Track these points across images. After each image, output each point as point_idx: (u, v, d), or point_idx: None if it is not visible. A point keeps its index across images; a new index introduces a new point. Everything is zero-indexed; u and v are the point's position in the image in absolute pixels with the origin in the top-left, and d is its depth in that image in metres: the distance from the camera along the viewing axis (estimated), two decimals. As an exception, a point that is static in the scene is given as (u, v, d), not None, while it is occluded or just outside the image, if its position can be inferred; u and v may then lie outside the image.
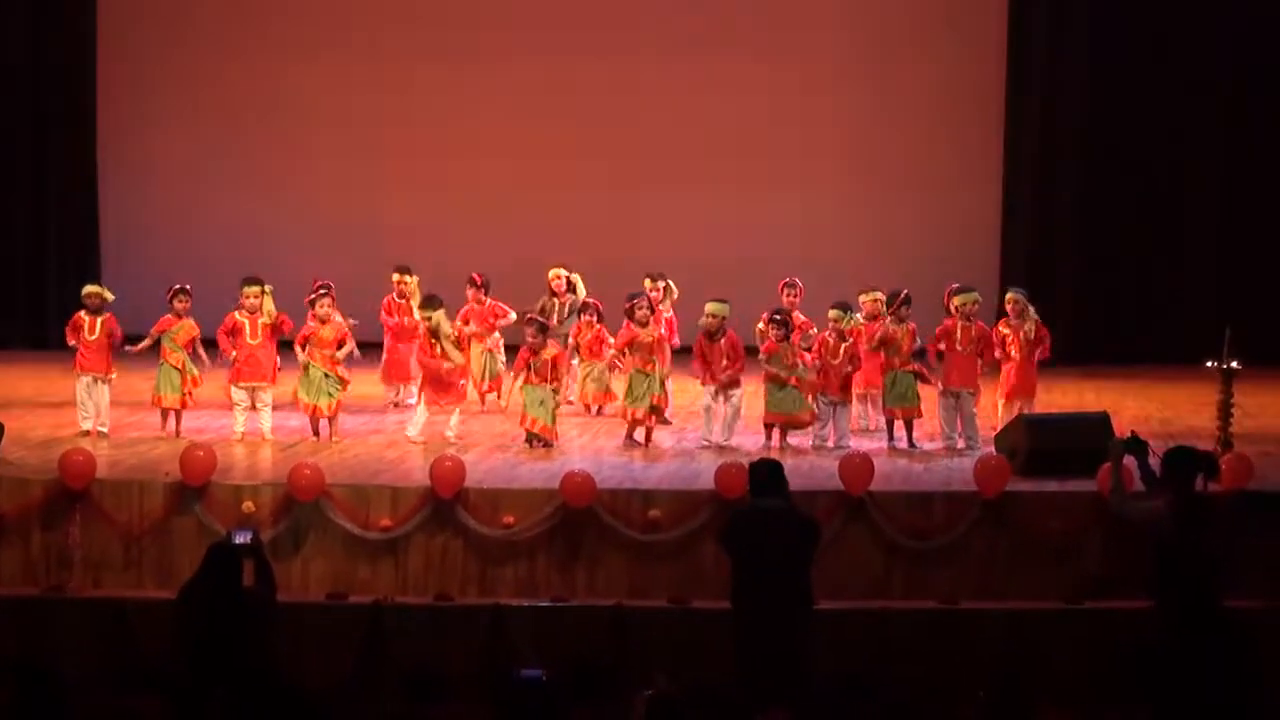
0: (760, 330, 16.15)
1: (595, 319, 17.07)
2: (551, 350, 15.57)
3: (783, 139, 21.56)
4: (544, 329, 15.66)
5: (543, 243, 20.21)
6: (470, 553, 13.76)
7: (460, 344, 16.02)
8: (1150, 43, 21.14)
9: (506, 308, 17.37)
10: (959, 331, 15.78)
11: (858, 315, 16.16)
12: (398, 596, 13.52)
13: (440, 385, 15.61)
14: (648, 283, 17.00)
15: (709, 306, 15.72)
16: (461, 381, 15.95)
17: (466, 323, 17.07)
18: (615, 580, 13.71)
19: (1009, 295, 16.42)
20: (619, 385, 16.38)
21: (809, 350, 15.76)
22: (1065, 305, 20.87)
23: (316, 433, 15.69)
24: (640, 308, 15.81)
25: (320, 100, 21.65)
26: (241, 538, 11.48)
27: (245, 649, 10.59)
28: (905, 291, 15.96)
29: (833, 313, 15.81)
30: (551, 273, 17.81)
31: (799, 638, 11.17)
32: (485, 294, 17.42)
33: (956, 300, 15.91)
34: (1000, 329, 16.20)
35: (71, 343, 15.97)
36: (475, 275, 17.50)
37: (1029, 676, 12.37)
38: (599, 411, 17.10)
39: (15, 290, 21.91)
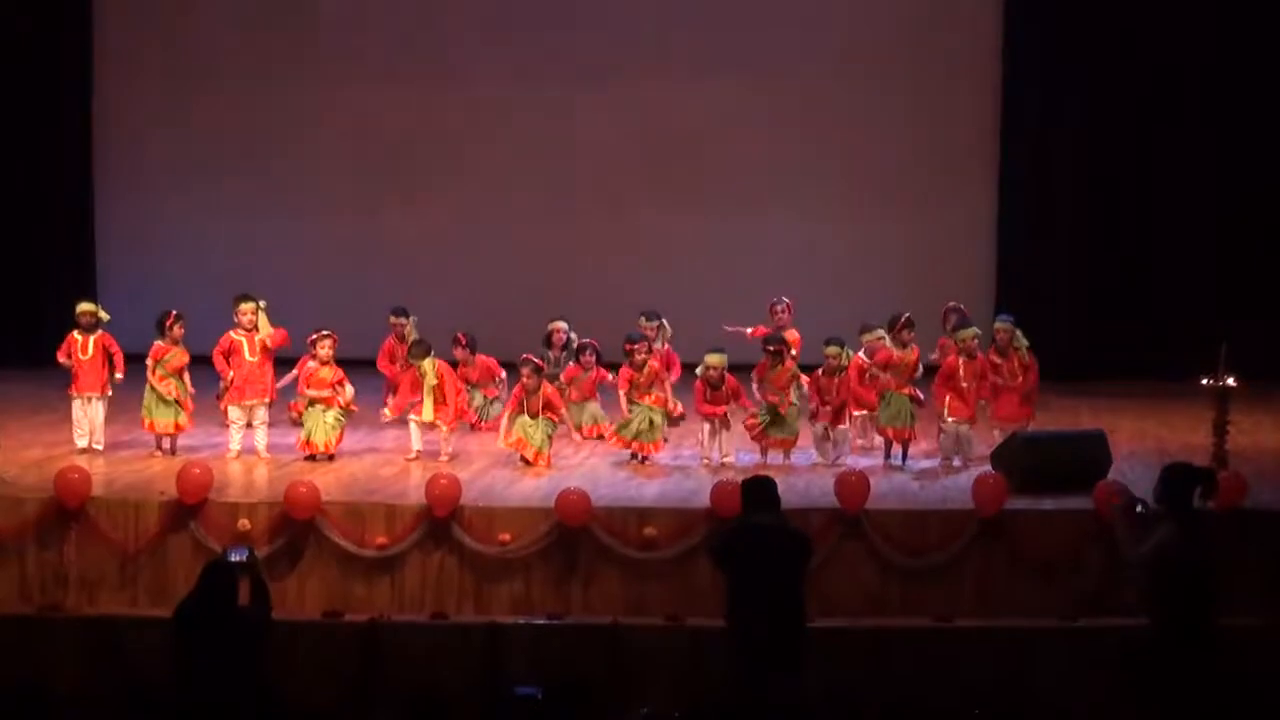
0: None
1: (594, 359, 16.76)
2: (545, 389, 15.57)
3: (775, 161, 21.48)
4: (539, 370, 15.63)
5: (541, 267, 20.22)
6: (466, 570, 13.77)
7: (447, 391, 15.82)
8: (1145, 60, 21.12)
9: (497, 366, 17.27)
10: (961, 368, 15.79)
11: (859, 354, 16.08)
12: (394, 614, 13.51)
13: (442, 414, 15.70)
14: (643, 320, 16.74)
15: (709, 359, 15.68)
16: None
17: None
18: (611, 598, 13.72)
19: (997, 325, 16.42)
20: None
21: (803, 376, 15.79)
22: (1060, 322, 20.85)
23: (311, 458, 15.63)
24: (640, 352, 15.79)
25: (320, 120, 21.61)
26: (237, 556, 11.47)
27: (241, 668, 10.57)
28: (906, 315, 15.96)
29: (830, 349, 15.77)
30: (553, 324, 17.55)
31: (793, 654, 11.14)
32: (473, 352, 17.26)
33: (957, 336, 15.94)
34: (992, 358, 16.20)
35: (62, 360, 15.88)
36: (460, 335, 17.23)
37: (1025, 694, 12.38)
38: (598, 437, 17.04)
39: (10, 307, 21.85)
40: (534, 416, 15.41)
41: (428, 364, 15.70)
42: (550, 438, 15.52)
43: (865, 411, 16.16)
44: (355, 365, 17.47)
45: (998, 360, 16.18)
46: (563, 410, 15.72)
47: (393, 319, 17.46)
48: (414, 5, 21.63)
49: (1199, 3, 21.01)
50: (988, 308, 20.11)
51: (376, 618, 13.38)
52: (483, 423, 17.04)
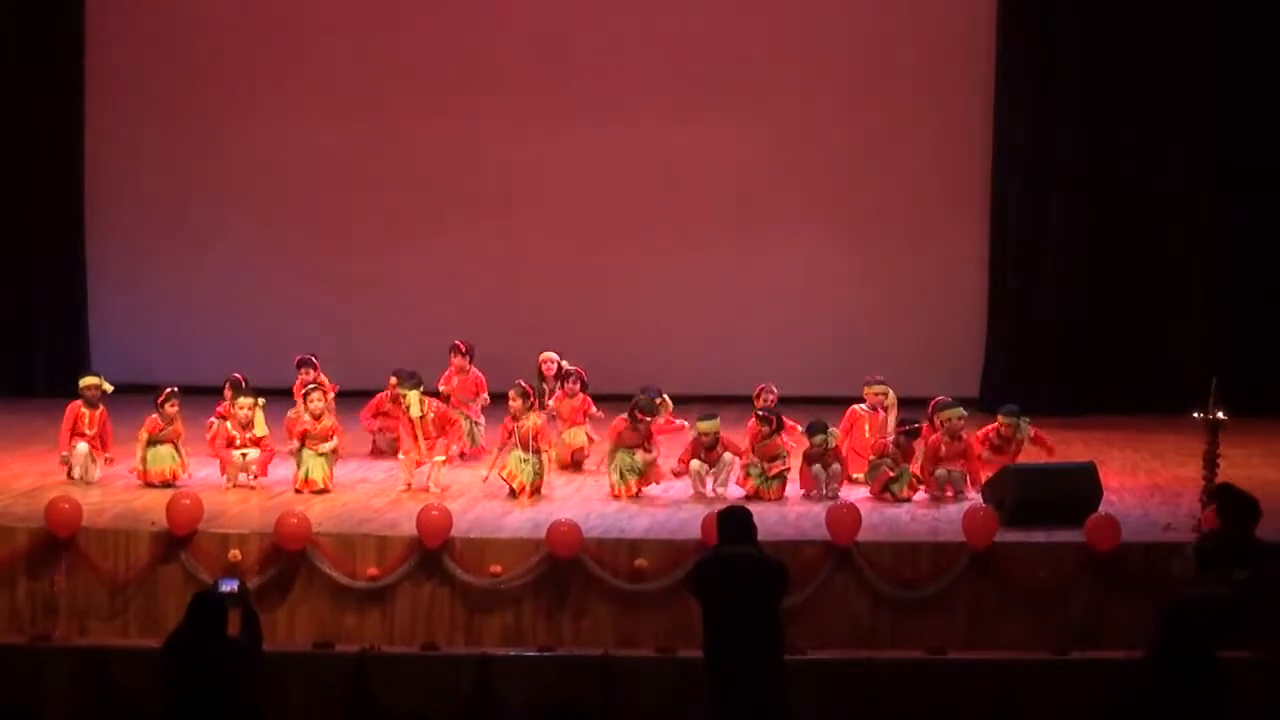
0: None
1: (579, 388, 16.79)
2: (535, 419, 15.56)
3: (767, 195, 21.57)
4: (526, 395, 15.63)
5: (538, 304, 20.24)
6: (457, 602, 13.75)
7: (435, 421, 15.78)
8: (1139, 89, 21.16)
9: (484, 383, 17.29)
10: (943, 449, 15.75)
11: (835, 430, 16.03)
12: (384, 646, 13.47)
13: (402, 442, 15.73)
14: (644, 397, 16.58)
15: (701, 425, 15.64)
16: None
17: (449, 381, 17.02)
18: (602, 629, 13.71)
19: (1000, 418, 16.21)
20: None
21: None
22: (1051, 355, 20.89)
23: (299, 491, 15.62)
24: (642, 420, 15.74)
25: (314, 152, 21.63)
26: (228, 586, 11.47)
27: (231, 698, 10.56)
28: (920, 425, 15.90)
29: (817, 438, 15.70)
30: (543, 356, 17.50)
31: (767, 686, 11.10)
32: (470, 362, 17.32)
33: (941, 416, 15.87)
34: (991, 440, 16.09)
35: (65, 437, 15.74)
36: (460, 343, 17.37)
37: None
38: (579, 466, 17.03)
39: (1, 337, 21.85)
40: (526, 450, 15.39)
41: (414, 395, 15.67)
42: (540, 475, 15.48)
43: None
44: (346, 397, 17.54)
45: (991, 454, 16.07)
46: (549, 447, 15.66)
47: (393, 380, 16.53)
48: (408, 40, 21.65)
49: (1195, 29, 21.04)
50: (979, 341, 20.17)
51: (367, 649, 13.34)
52: (470, 447, 17.03)
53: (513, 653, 13.44)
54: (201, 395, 16.90)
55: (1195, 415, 14.79)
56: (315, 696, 12.95)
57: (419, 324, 19.40)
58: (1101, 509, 14.57)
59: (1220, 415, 14.61)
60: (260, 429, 15.85)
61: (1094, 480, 15.04)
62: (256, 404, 15.87)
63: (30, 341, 21.73)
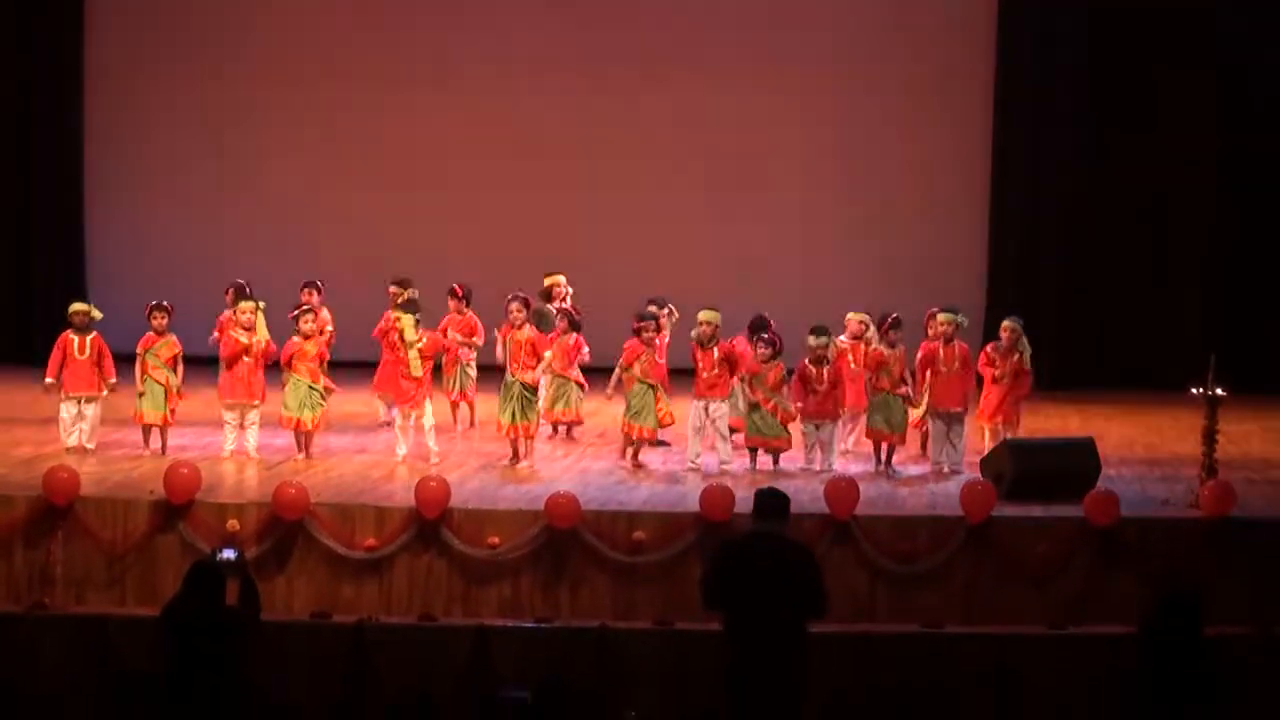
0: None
1: (568, 326, 16.60)
2: (529, 332, 15.54)
3: (765, 164, 21.56)
4: (527, 304, 15.66)
5: (537, 270, 20.12)
6: (455, 573, 13.75)
7: (430, 351, 15.79)
8: (1140, 67, 21.16)
9: (480, 326, 17.33)
10: (941, 353, 15.82)
11: (840, 338, 16.19)
12: (382, 616, 13.49)
13: (399, 389, 15.62)
14: (652, 309, 16.64)
15: (702, 315, 15.71)
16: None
17: (445, 333, 17.02)
18: (600, 601, 13.70)
19: (1005, 324, 16.37)
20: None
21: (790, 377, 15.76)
22: (1050, 330, 20.88)
23: (302, 448, 15.65)
24: (648, 329, 15.76)
25: (313, 119, 21.64)
26: (226, 555, 11.46)
27: (228, 667, 10.56)
28: (895, 315, 15.96)
29: (812, 339, 15.75)
30: (550, 279, 17.57)
31: (795, 663, 11.01)
32: (466, 305, 17.38)
33: (936, 320, 15.96)
34: (989, 352, 16.23)
35: (50, 380, 15.75)
36: (457, 287, 17.43)
37: (1013, 700, 12.39)
38: (568, 432, 17.03)
39: (0, 305, 21.86)
40: (517, 363, 15.31)
41: (408, 320, 15.61)
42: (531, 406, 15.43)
43: (851, 409, 16.13)
44: (348, 367, 17.54)
45: (994, 355, 16.16)
46: (545, 358, 15.57)
47: (392, 289, 17.14)
48: (405, 5, 21.62)
49: (1195, 12, 21.02)
50: (979, 314, 20.16)
51: (365, 619, 13.36)
52: (460, 393, 17.05)
53: (510, 624, 13.46)
54: (202, 365, 16.86)
55: (1194, 391, 14.78)
56: (313, 666, 12.96)
57: (421, 290, 19.33)
58: (1100, 484, 14.57)
59: (1219, 391, 14.60)
60: (262, 333, 15.88)
61: (1093, 455, 15.03)
62: (258, 307, 15.92)
63: (29, 309, 21.73)
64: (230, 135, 21.73)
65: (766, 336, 15.68)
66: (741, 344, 16.05)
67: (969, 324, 16.61)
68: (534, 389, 15.46)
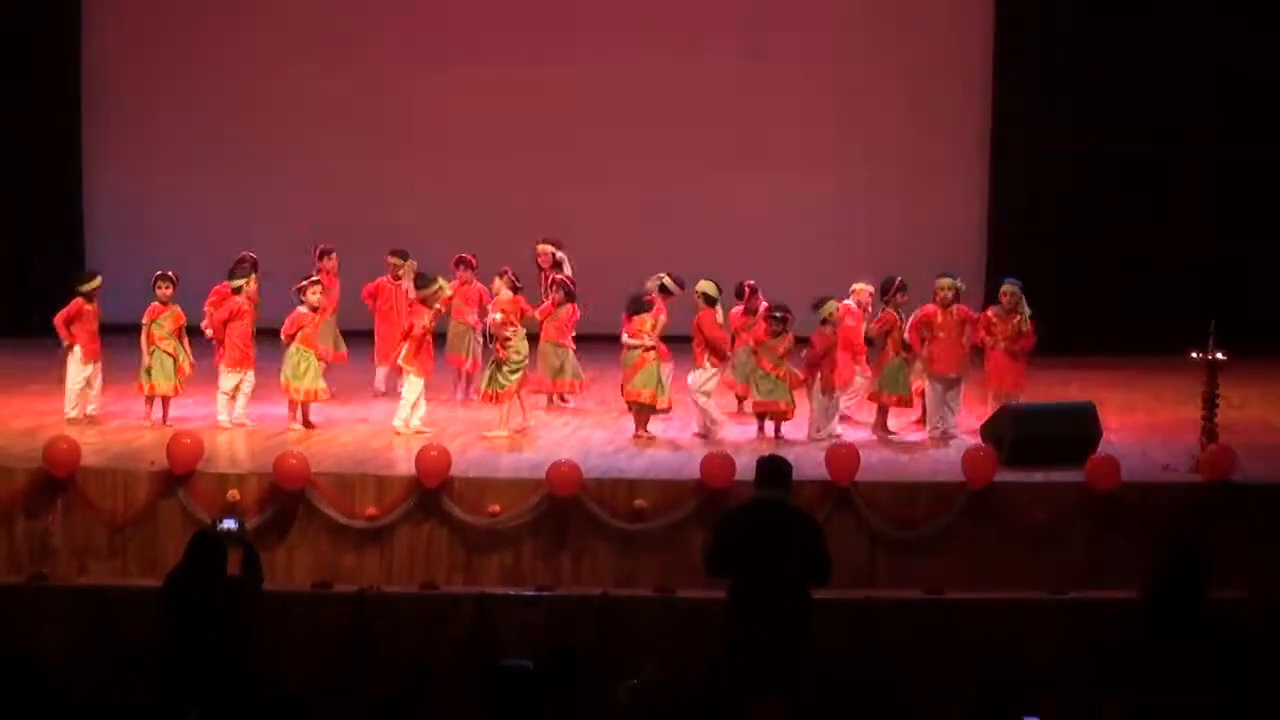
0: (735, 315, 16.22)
1: (563, 295, 16.60)
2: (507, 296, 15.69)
3: (767, 133, 21.53)
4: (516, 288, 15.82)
5: (532, 240, 20.14)
6: (456, 542, 13.76)
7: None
8: (1139, 33, 21.11)
9: (486, 296, 17.32)
10: (939, 317, 15.82)
11: (848, 301, 16.19)
12: (383, 585, 13.51)
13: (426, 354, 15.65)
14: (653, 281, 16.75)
15: (702, 285, 15.75)
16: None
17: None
18: (601, 569, 13.73)
19: (1004, 287, 16.38)
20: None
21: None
22: (1050, 296, 20.78)
23: (308, 423, 15.64)
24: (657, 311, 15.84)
25: (313, 90, 21.58)
26: (227, 525, 11.47)
27: (230, 637, 10.57)
28: (899, 279, 15.98)
29: (827, 307, 15.72)
30: (540, 247, 17.57)
31: (799, 629, 11.00)
32: (474, 276, 17.34)
33: (936, 285, 15.99)
34: (989, 316, 16.22)
35: (63, 333, 15.84)
36: (466, 256, 17.40)
37: (1013, 665, 12.39)
38: (561, 399, 17.02)
39: (-1, 278, 21.88)
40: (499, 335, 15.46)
41: (443, 283, 15.84)
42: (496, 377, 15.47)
43: (859, 378, 16.16)
44: (347, 336, 17.53)
45: (994, 320, 16.14)
46: (523, 315, 15.76)
47: (392, 260, 17.41)
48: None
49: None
50: (978, 277, 20.17)
51: (366, 588, 13.38)
52: (467, 361, 17.14)
53: (511, 592, 13.48)
54: (198, 336, 16.84)
55: (1194, 356, 14.78)
56: (314, 636, 12.99)
57: (422, 263, 19.32)
58: (1101, 449, 14.57)
59: (1219, 356, 14.60)
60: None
61: (1093, 420, 15.03)
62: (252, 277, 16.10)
63: (26, 281, 21.71)
64: (229, 106, 21.66)
65: (780, 315, 15.69)
66: (736, 315, 16.17)
67: (967, 289, 16.63)
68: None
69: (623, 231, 21.16)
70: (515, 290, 15.97)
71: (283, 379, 15.62)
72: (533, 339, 16.19)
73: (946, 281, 15.96)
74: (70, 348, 15.80)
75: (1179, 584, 10.70)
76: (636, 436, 15.57)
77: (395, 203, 21.43)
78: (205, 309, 16.26)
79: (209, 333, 16.07)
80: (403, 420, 15.52)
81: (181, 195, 21.68)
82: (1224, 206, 21.23)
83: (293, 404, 15.69)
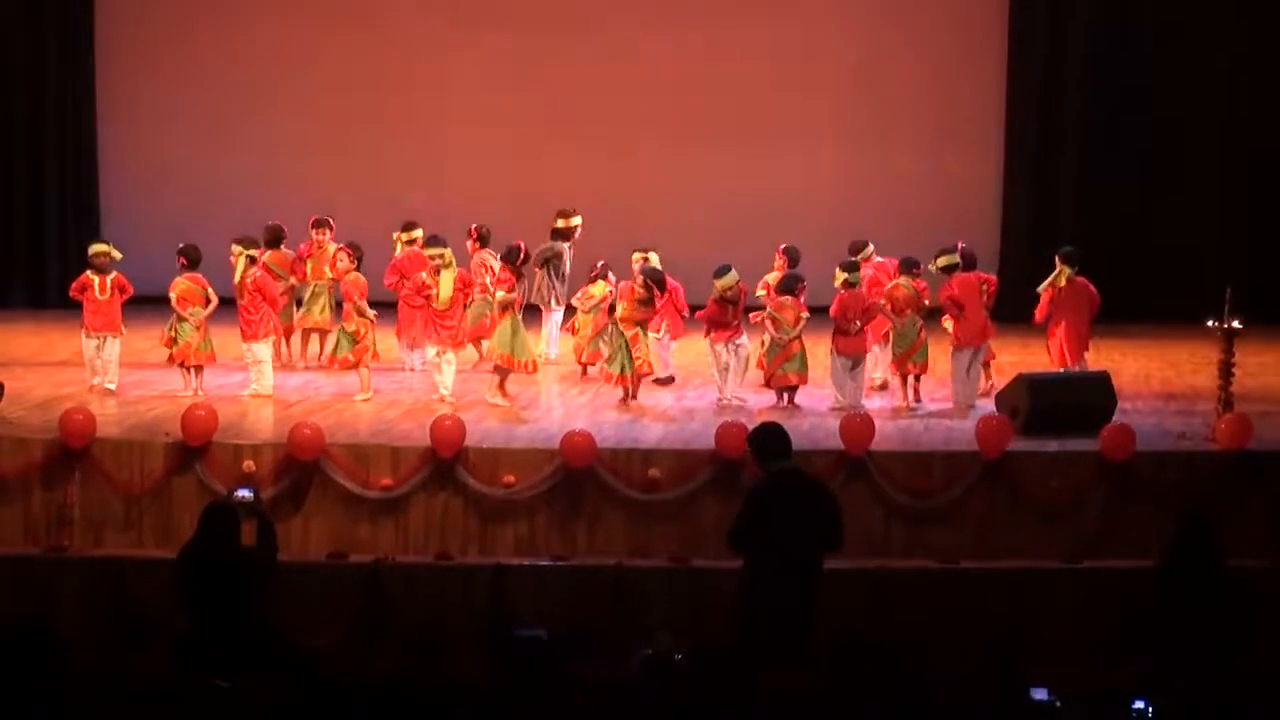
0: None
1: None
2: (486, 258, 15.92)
3: (782, 101, 21.50)
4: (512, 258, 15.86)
5: (542, 209, 20.14)
6: (471, 512, 13.77)
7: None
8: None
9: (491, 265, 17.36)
10: (958, 290, 15.78)
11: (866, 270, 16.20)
12: (398, 556, 13.53)
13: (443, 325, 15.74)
14: (636, 255, 16.78)
15: (721, 283, 15.63)
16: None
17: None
18: (615, 539, 13.73)
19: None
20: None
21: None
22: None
23: (367, 387, 15.68)
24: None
25: (324, 55, 21.57)
26: (242, 495, 11.48)
27: (245, 608, 10.60)
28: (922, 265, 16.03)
29: (847, 275, 15.71)
30: (576, 219, 17.92)
31: (810, 597, 11.01)
32: (481, 247, 17.32)
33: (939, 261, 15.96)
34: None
35: (76, 299, 15.93)
36: (473, 229, 17.39)
37: (1028, 635, 12.40)
38: (583, 373, 17.04)
39: (15, 249, 21.87)
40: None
41: (449, 254, 15.90)
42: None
43: (881, 345, 16.18)
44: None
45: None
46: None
47: (406, 236, 17.52)
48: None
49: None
50: (992, 247, 20.15)
51: (381, 559, 13.40)
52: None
53: (526, 563, 13.49)
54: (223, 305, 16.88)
55: (1210, 324, 14.74)
56: (329, 606, 13.02)
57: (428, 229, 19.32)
58: (1116, 418, 14.55)
59: (1235, 324, 14.56)
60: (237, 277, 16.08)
61: (1109, 389, 15.01)
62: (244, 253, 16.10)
63: (42, 254, 21.74)
64: (244, 74, 21.65)
65: (789, 284, 15.68)
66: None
67: (984, 257, 16.61)
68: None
69: (639, 203, 21.13)
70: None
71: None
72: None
73: (946, 259, 15.96)
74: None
75: (1192, 554, 10.72)
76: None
77: (410, 167, 21.45)
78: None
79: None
80: (447, 389, 15.56)
81: (198, 164, 21.68)
82: (1242, 173, 21.15)
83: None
